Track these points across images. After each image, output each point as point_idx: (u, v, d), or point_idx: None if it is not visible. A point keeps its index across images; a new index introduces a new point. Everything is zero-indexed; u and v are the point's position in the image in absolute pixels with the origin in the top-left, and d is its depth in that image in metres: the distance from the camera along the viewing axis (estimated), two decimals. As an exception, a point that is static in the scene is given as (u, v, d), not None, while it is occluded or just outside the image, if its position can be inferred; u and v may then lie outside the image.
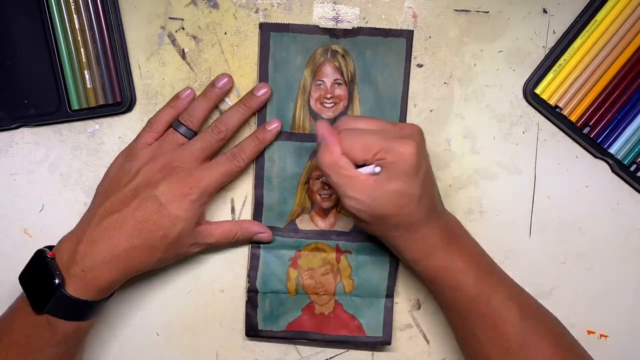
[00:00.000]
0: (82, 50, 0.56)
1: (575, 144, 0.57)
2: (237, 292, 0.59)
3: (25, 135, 0.58)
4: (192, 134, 0.54)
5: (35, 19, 0.56)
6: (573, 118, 0.56)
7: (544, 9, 0.57)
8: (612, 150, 0.56)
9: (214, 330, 0.59)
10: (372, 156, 0.47)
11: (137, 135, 0.56)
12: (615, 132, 0.56)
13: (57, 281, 0.49)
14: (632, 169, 0.57)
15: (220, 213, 0.58)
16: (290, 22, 0.56)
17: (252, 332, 0.58)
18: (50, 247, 0.53)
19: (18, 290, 0.52)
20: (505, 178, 0.58)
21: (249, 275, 0.58)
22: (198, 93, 0.57)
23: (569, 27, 0.56)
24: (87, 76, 0.56)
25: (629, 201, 0.58)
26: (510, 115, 0.57)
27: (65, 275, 0.49)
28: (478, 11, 0.57)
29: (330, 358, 0.59)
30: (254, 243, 0.58)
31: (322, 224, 0.58)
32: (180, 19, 0.57)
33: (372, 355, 0.59)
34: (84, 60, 0.56)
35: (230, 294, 0.59)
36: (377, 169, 0.48)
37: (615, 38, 0.55)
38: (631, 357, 0.59)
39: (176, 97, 0.56)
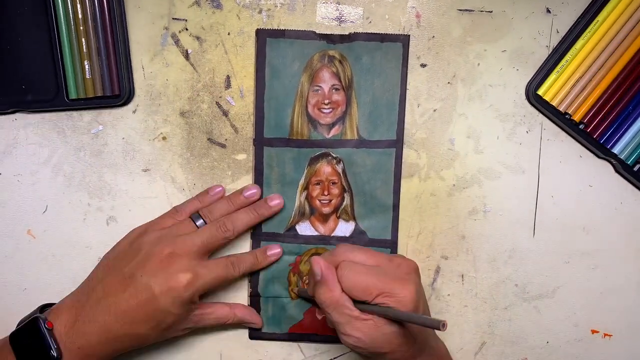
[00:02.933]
0: (83, 40, 0.56)
1: (578, 144, 0.57)
2: (241, 293, 0.59)
3: (29, 136, 0.58)
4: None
5: (38, 5, 0.56)
6: (576, 119, 0.56)
7: (547, 8, 0.57)
8: (615, 150, 0.56)
9: (218, 330, 0.59)
10: (373, 298, 0.47)
11: (159, 217, 0.56)
12: (618, 133, 0.56)
13: (55, 354, 0.49)
14: (635, 168, 0.57)
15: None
16: (286, 28, 0.56)
17: (256, 335, 0.58)
18: (45, 306, 0.53)
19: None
20: (509, 178, 0.58)
21: (250, 280, 0.58)
22: (202, 94, 0.57)
23: (570, 28, 0.56)
24: (86, 66, 0.56)
25: (633, 201, 0.58)
26: (513, 115, 0.57)
27: (62, 349, 0.50)
28: (481, 11, 0.57)
29: (334, 358, 0.59)
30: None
31: (322, 229, 0.58)
32: (183, 19, 0.57)
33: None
34: (84, 50, 0.56)
35: (233, 294, 0.59)
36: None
37: (617, 38, 0.55)
38: (635, 357, 0.59)
39: (205, 192, 0.57)
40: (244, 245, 0.58)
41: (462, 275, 0.59)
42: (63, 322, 0.51)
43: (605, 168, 0.57)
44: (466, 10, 0.57)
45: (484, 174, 0.58)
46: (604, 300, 0.58)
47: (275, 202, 0.57)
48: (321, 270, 0.49)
